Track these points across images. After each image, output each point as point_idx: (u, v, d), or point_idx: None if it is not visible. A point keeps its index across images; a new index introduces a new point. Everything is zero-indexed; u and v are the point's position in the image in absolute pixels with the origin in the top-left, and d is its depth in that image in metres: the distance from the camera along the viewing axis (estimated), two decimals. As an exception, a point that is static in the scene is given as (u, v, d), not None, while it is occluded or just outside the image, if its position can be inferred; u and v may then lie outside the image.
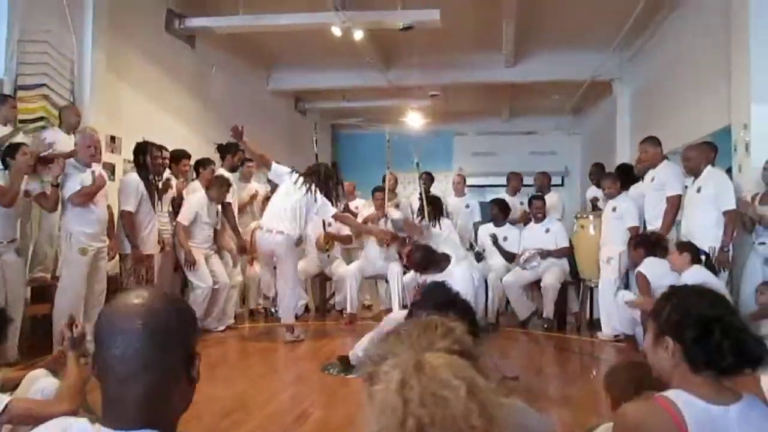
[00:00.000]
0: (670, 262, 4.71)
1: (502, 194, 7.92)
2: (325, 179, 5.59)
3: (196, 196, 5.93)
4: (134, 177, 5.25)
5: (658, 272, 4.77)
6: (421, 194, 7.21)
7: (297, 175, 5.54)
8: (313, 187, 5.45)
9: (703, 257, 4.60)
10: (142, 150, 5.35)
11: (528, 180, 8.32)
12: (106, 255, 4.99)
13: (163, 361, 1.05)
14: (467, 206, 7.85)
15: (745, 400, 1.42)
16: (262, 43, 8.64)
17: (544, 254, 6.49)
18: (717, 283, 4.39)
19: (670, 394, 1.44)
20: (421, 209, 7.27)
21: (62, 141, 5.17)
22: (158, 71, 7.18)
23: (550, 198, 7.57)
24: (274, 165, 5.55)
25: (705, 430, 1.38)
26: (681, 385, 1.46)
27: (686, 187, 5.29)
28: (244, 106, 8.92)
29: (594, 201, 7.06)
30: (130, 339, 1.03)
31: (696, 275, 4.34)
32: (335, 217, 5.88)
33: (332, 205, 5.67)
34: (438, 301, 1.73)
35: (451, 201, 7.77)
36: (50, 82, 5.46)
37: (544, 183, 7.82)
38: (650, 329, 1.58)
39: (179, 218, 5.82)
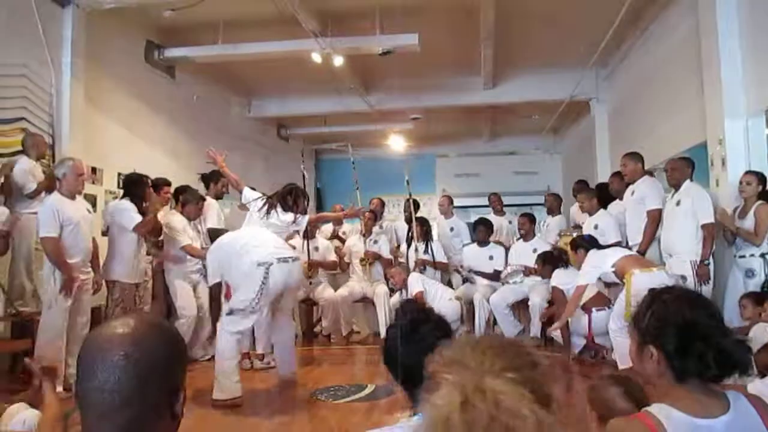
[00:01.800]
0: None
1: (488, 215, 7.97)
2: (283, 197, 4.90)
3: (176, 218, 5.86)
4: (128, 203, 5.25)
5: (565, 280, 5.61)
6: (409, 214, 7.21)
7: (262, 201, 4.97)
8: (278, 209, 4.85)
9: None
10: (141, 184, 5.36)
11: (513, 200, 8.41)
12: (90, 287, 4.92)
13: (145, 396, 0.99)
14: (452, 229, 7.78)
15: (732, 412, 1.37)
16: (242, 72, 8.66)
17: (527, 271, 6.53)
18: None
19: (653, 408, 1.40)
20: (409, 230, 7.28)
21: (33, 169, 5.15)
22: (138, 101, 7.18)
23: (557, 220, 7.57)
24: (245, 190, 5.41)
25: None
26: (666, 395, 1.42)
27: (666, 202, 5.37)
28: (226, 134, 8.92)
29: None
30: (110, 371, 0.97)
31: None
32: (310, 221, 5.20)
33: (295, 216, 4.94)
34: (413, 317, 1.73)
35: (439, 223, 7.75)
36: (29, 116, 5.45)
37: (554, 204, 7.78)
38: (632, 337, 1.52)
39: (182, 241, 5.74)
